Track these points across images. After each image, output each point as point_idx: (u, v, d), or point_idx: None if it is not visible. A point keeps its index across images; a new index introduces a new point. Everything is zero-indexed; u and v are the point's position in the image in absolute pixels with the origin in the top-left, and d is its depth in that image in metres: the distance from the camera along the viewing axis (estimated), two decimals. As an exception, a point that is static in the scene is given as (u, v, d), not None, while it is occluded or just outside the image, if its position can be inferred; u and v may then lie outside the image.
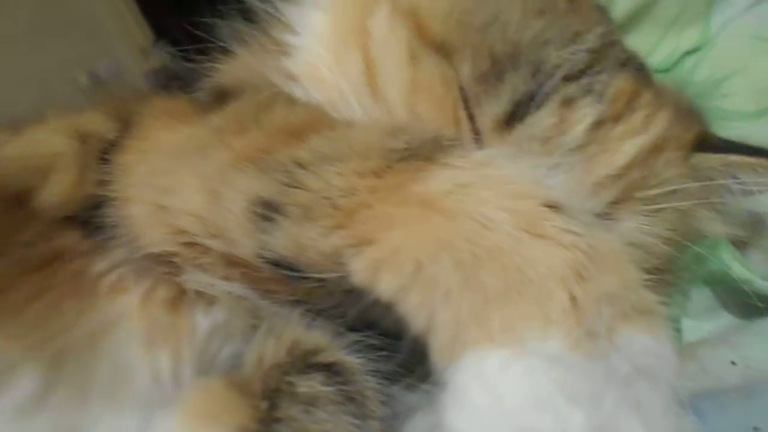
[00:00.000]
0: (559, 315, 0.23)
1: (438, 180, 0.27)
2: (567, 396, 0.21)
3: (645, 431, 0.22)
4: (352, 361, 0.31)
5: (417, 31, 0.37)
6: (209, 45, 0.45)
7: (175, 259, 0.35)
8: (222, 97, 0.41)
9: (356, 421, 0.28)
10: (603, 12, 0.41)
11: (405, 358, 0.30)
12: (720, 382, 0.29)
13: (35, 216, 0.35)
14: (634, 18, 0.53)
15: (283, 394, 0.28)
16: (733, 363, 0.29)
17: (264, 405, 0.28)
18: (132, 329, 0.33)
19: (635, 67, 0.39)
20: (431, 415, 0.25)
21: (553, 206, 0.26)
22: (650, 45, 0.52)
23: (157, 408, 0.30)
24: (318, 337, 0.32)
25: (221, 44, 0.46)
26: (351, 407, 0.29)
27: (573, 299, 0.23)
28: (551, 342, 0.22)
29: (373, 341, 0.32)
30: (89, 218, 0.36)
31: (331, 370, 0.31)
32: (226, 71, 0.44)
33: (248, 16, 0.46)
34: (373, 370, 0.31)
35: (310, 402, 0.28)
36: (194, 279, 0.35)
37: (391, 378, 0.32)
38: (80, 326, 0.33)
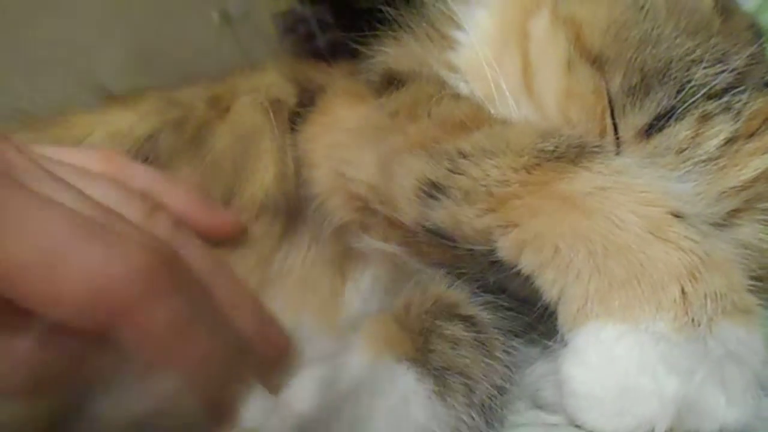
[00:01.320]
0: (670, 303, 0.28)
1: (580, 181, 0.32)
2: (666, 366, 0.27)
3: (726, 403, 0.28)
4: (484, 315, 0.38)
5: (575, 40, 0.41)
6: (378, 28, 0.52)
7: (346, 221, 0.42)
8: (390, 80, 0.48)
9: (487, 361, 0.35)
10: (756, 30, 0.44)
11: (531, 318, 0.37)
12: None
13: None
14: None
15: (434, 333, 0.35)
16: None
17: (421, 339, 0.34)
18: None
19: (780, 85, 0.41)
20: (548, 364, 0.32)
21: (677, 215, 0.31)
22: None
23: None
24: (457, 294, 0.39)
25: (389, 29, 0.52)
26: (483, 350, 0.35)
27: (683, 293, 0.28)
28: (660, 323, 0.28)
29: (502, 303, 0.38)
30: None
31: (468, 321, 0.37)
32: (394, 56, 0.50)
33: (416, 6, 0.53)
34: (500, 326, 0.38)
35: (455, 342, 0.35)
36: (362, 240, 0.42)
37: (515, 333, 0.38)
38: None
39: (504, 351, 0.36)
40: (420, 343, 0.34)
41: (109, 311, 0.24)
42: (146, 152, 0.46)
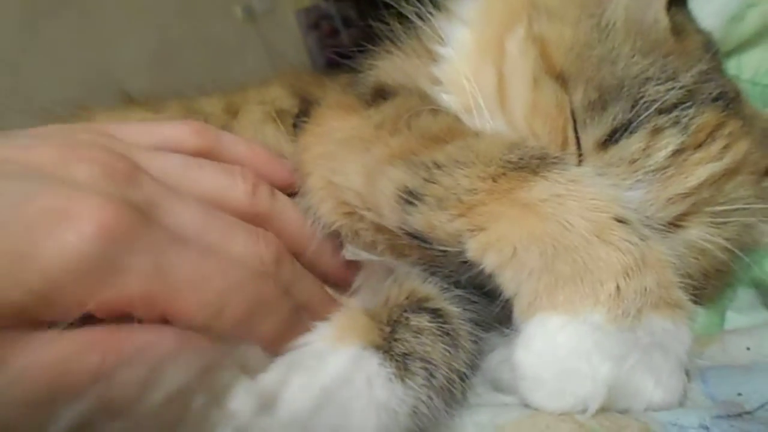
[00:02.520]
0: (606, 298, 0.33)
1: (538, 189, 0.36)
2: (600, 353, 0.32)
3: (654, 385, 0.33)
4: (453, 309, 0.41)
5: (542, 57, 0.45)
6: (373, 44, 0.57)
7: (337, 228, 0.46)
8: (379, 93, 0.52)
9: (449, 349, 0.38)
10: (709, 47, 0.47)
11: (495, 311, 0.40)
12: (733, 361, 0.37)
13: None
14: (762, 35, 0.58)
15: (400, 324, 0.39)
16: (747, 348, 0.37)
17: (387, 329, 0.38)
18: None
19: (728, 98, 0.45)
20: (506, 351, 0.36)
21: (621, 220, 0.35)
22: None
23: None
24: (430, 288, 0.43)
25: (381, 44, 0.57)
26: (447, 339, 0.39)
27: (618, 289, 0.33)
28: (596, 315, 0.33)
29: (470, 297, 0.42)
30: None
31: (436, 313, 0.40)
32: (384, 70, 0.54)
33: (404, 21, 0.57)
34: (467, 318, 0.41)
35: (418, 331, 0.38)
36: (353, 252, 0.47)
37: (480, 324, 0.42)
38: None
39: (470, 340, 0.40)
40: (387, 332, 0.38)
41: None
42: None
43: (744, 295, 0.46)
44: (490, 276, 0.37)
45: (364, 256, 0.46)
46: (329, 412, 0.32)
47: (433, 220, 0.38)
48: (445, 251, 0.39)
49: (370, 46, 0.57)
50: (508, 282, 0.36)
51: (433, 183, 0.39)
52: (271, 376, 0.34)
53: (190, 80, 0.66)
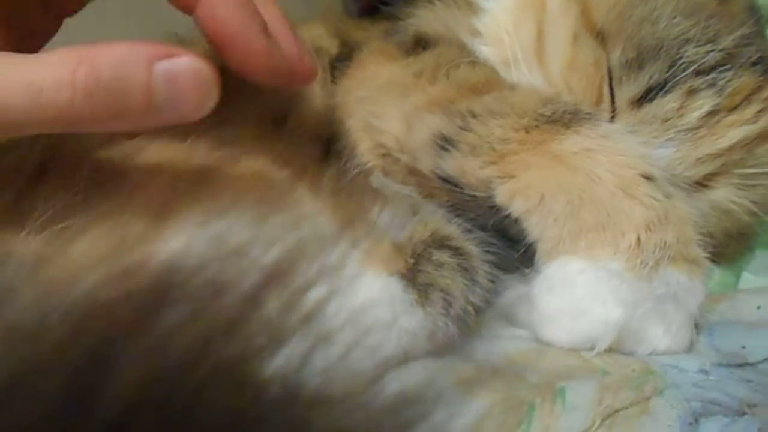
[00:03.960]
0: (626, 248, 0.35)
1: (569, 142, 0.38)
2: (615, 298, 0.34)
3: (663, 333, 0.35)
4: (473, 248, 0.43)
5: (582, 14, 0.46)
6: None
7: (370, 165, 0.48)
8: (419, 42, 0.53)
9: (467, 284, 0.40)
10: (753, 11, 0.47)
11: (516, 253, 0.42)
12: (742, 318, 0.39)
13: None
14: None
15: (423, 257, 0.41)
16: (758, 307, 0.39)
17: (411, 261, 0.40)
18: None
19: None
20: (523, 288, 0.38)
21: (647, 177, 0.37)
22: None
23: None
24: (452, 229, 0.44)
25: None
26: (465, 274, 0.41)
27: (638, 240, 0.35)
28: (615, 263, 0.35)
29: (490, 240, 0.43)
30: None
31: (457, 250, 0.42)
32: (425, 20, 0.55)
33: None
34: (486, 259, 0.43)
35: (439, 265, 0.40)
36: (379, 180, 0.48)
37: (498, 266, 0.43)
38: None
39: (487, 279, 0.42)
40: (411, 264, 0.40)
41: None
42: None
43: (761, 257, 0.48)
44: (516, 221, 0.39)
45: (389, 185, 0.48)
46: (355, 329, 0.35)
47: (465, 166, 0.40)
48: (474, 196, 0.41)
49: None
50: (533, 227, 0.38)
51: (468, 131, 0.41)
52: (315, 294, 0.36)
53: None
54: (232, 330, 0.33)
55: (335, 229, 0.45)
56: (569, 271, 0.35)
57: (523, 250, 0.39)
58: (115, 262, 0.34)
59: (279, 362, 0.34)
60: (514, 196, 0.38)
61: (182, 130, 0.43)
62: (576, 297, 0.35)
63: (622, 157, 0.37)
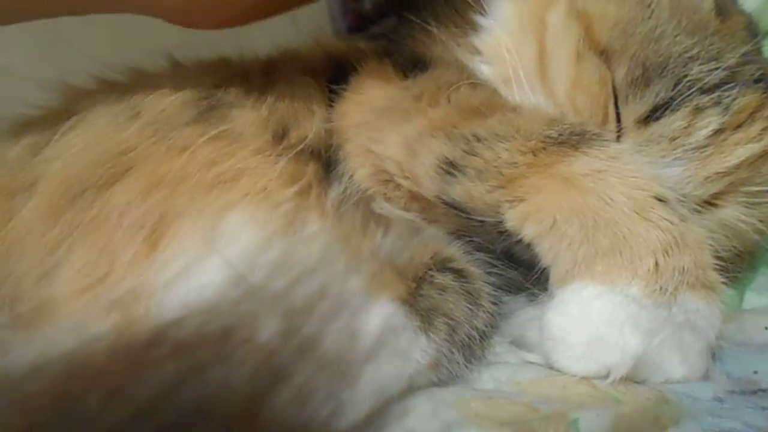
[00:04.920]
0: (644, 272, 0.34)
1: (579, 164, 0.37)
2: (633, 325, 0.33)
3: (680, 362, 0.34)
4: (476, 270, 0.43)
5: (586, 33, 0.45)
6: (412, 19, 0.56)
7: (371, 192, 0.47)
8: (417, 64, 0.51)
9: (471, 308, 0.40)
10: (752, 29, 0.47)
11: (528, 278, 0.41)
12: (750, 340, 0.38)
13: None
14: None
15: (425, 281, 0.40)
16: (765, 328, 0.38)
17: (413, 285, 0.40)
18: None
19: (768, 81, 0.45)
20: (534, 310, 0.38)
21: (660, 199, 0.36)
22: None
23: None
24: (453, 250, 0.44)
25: (420, 19, 0.56)
26: (469, 298, 0.41)
27: (656, 265, 0.34)
28: (634, 288, 0.34)
29: (492, 261, 0.44)
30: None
31: (459, 273, 0.42)
32: (421, 41, 0.55)
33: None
34: (489, 280, 0.43)
35: (442, 289, 0.40)
36: (381, 206, 0.47)
37: (501, 287, 0.44)
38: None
39: (490, 301, 0.41)
40: (413, 288, 0.40)
41: None
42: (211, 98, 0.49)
43: (764, 275, 0.47)
44: (527, 245, 0.38)
45: (392, 211, 0.47)
46: (358, 355, 0.34)
47: (473, 191, 0.39)
48: (482, 221, 0.40)
49: (400, 13, 0.56)
50: (546, 251, 0.37)
51: (474, 155, 0.40)
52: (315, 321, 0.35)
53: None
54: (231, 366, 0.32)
55: (339, 252, 0.44)
56: (585, 296, 0.34)
57: (535, 275, 0.38)
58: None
59: (283, 398, 0.33)
60: (526, 220, 0.38)
61: (181, 144, 0.42)
62: (592, 323, 0.34)
63: (634, 179, 0.37)
